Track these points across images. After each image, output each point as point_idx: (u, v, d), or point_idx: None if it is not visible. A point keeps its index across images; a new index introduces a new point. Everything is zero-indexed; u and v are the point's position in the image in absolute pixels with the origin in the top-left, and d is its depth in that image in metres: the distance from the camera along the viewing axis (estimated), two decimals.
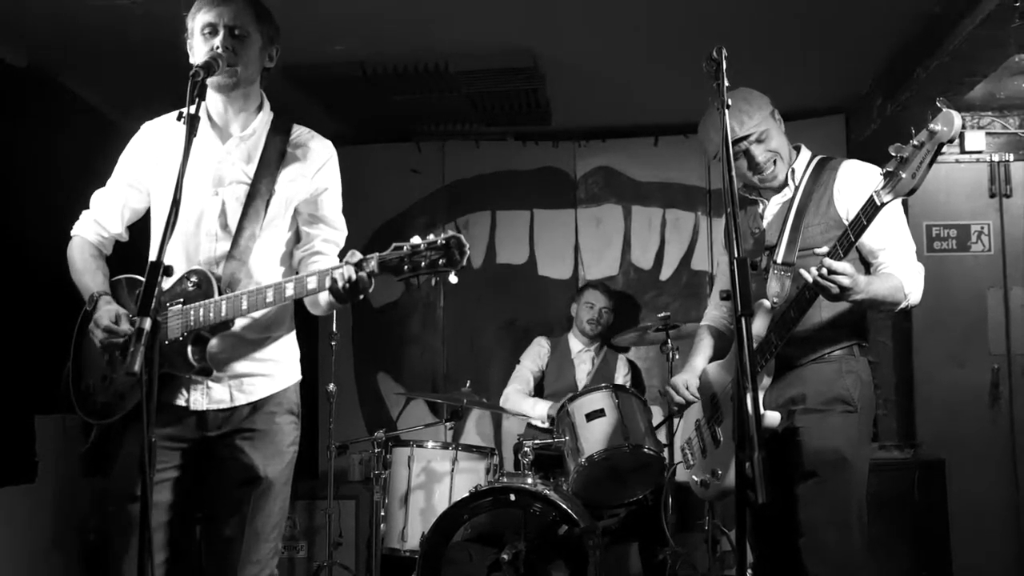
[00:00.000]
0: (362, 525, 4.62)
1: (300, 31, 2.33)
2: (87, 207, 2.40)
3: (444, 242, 1.88)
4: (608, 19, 3.84)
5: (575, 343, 4.75)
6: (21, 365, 3.75)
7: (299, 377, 2.39)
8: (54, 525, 4.13)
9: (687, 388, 2.71)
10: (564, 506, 3.49)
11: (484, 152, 5.37)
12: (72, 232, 2.38)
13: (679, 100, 4.58)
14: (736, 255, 1.78)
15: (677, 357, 4.18)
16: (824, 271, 2.16)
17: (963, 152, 4.86)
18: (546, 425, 4.35)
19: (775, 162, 2.57)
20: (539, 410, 4.44)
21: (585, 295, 4.77)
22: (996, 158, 4.86)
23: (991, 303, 4.80)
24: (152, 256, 2.12)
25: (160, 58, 2.92)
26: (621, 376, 4.66)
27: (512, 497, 3.52)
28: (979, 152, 4.86)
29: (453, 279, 1.90)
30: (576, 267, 5.28)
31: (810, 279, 2.20)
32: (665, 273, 5.21)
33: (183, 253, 2.22)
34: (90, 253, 2.34)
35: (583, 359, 4.71)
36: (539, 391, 4.69)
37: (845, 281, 2.16)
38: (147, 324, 1.73)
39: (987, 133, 4.88)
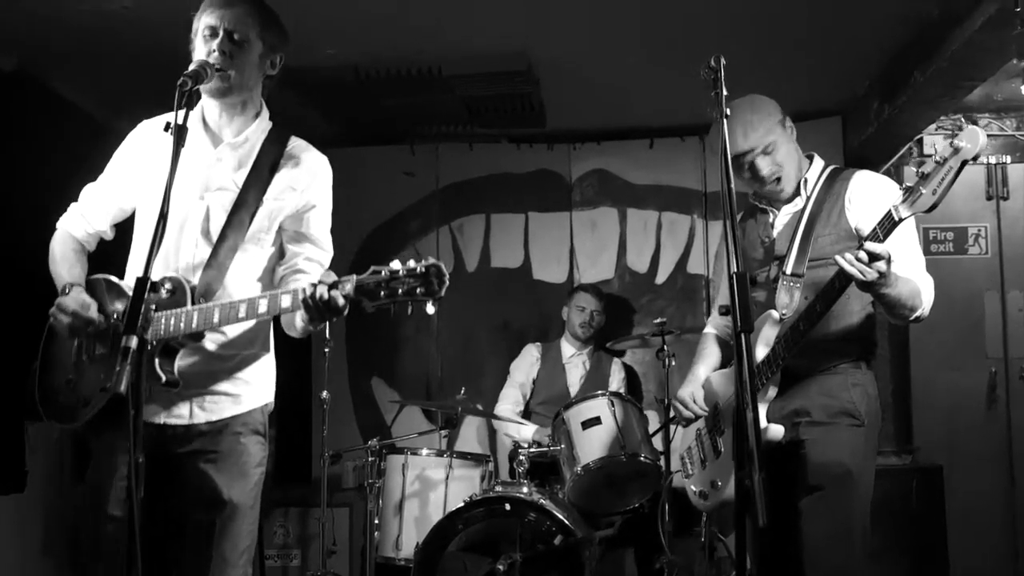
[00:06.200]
0: (356, 533, 4.58)
1: (294, 34, 2.30)
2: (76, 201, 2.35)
3: (424, 270, 1.80)
4: (603, 21, 3.81)
5: (567, 348, 4.71)
6: (11, 372, 3.70)
7: (269, 400, 2.29)
8: (44, 535, 4.09)
9: (694, 401, 2.68)
10: (560, 516, 3.46)
11: (478, 155, 5.32)
12: (58, 224, 2.32)
13: (674, 102, 4.58)
14: (735, 270, 1.74)
15: (673, 363, 4.12)
16: (864, 256, 2.09)
17: None
18: (533, 450, 4.27)
19: (780, 177, 2.51)
20: (524, 433, 4.37)
21: (575, 298, 4.74)
22: (993, 160, 4.85)
23: (988, 306, 4.79)
24: (138, 268, 2.07)
25: (151, 62, 2.89)
26: (616, 381, 4.62)
27: (507, 507, 3.49)
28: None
29: (430, 309, 1.82)
30: (571, 270, 5.23)
31: (847, 266, 2.12)
32: (661, 277, 5.17)
33: (162, 256, 2.13)
34: (71, 247, 2.27)
35: (575, 363, 4.67)
36: (530, 399, 4.66)
37: (882, 267, 2.09)
38: (133, 342, 1.68)
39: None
